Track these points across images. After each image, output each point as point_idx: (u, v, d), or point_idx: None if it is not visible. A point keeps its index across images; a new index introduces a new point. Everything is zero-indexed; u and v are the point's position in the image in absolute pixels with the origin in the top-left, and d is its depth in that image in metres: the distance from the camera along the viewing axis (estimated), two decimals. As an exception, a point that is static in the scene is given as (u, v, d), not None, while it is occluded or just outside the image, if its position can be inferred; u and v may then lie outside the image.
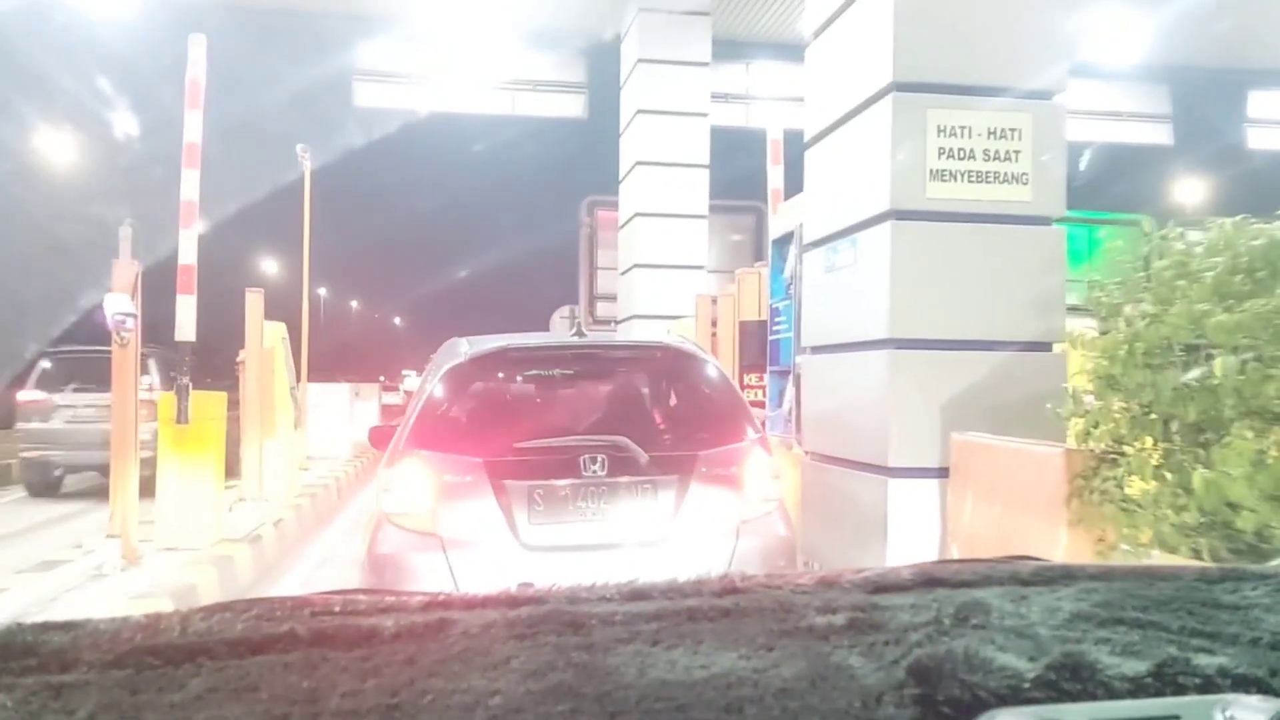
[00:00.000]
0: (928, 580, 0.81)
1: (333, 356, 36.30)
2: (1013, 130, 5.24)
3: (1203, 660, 0.59)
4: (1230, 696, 0.53)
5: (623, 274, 14.86)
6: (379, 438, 4.41)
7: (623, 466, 3.76)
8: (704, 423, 4.26)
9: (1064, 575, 0.83)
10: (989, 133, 5.23)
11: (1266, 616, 0.70)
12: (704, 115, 13.65)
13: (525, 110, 16.71)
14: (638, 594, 0.75)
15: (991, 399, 5.22)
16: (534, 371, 4.46)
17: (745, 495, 3.92)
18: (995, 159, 5.25)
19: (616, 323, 15.61)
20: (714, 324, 9.89)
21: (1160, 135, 17.38)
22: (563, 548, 3.70)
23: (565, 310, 19.39)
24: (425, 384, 4.26)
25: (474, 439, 3.95)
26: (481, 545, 3.68)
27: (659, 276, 13.53)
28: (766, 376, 7.49)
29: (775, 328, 7.30)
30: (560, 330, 17.43)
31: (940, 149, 5.23)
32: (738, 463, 3.95)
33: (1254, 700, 0.52)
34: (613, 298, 16.21)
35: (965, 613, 0.70)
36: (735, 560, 3.76)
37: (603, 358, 4.59)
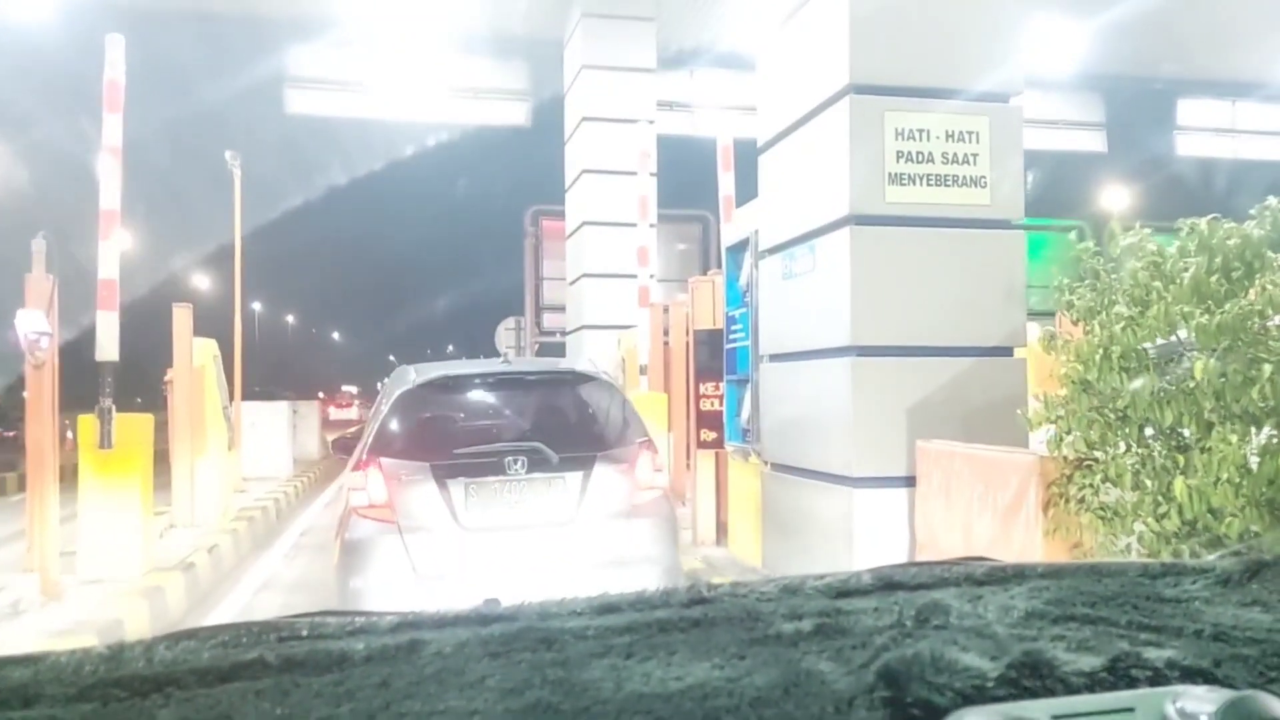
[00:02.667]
0: (887, 584, 0.83)
1: (269, 374, 35.53)
2: (971, 133, 5.17)
3: (1152, 654, 0.60)
4: (1180, 688, 0.55)
5: (571, 284, 14.63)
6: (341, 447, 5.49)
7: (538, 465, 4.71)
8: (603, 430, 5.17)
9: (1015, 575, 0.85)
10: (947, 135, 5.15)
11: (1206, 609, 0.74)
12: (650, 122, 13.52)
13: (467, 118, 16.38)
14: (608, 607, 0.75)
15: (955, 405, 5.13)
16: (469, 392, 5.41)
17: (635, 484, 4.84)
18: (954, 162, 5.17)
19: (565, 333, 15.37)
20: (666, 333, 9.73)
21: (1094, 143, 17.76)
22: (493, 528, 4.64)
23: (510, 322, 19.17)
24: (380, 405, 5.31)
25: (422, 447, 4.87)
26: (430, 529, 4.60)
27: (608, 286, 13.32)
28: (724, 386, 7.34)
29: (732, 336, 7.16)
30: (504, 340, 17.77)
31: (898, 152, 5.14)
32: (629, 460, 4.88)
33: (1201, 691, 0.54)
34: (560, 308, 15.96)
35: (926, 614, 0.71)
36: (629, 534, 4.71)
37: (524, 381, 5.49)
